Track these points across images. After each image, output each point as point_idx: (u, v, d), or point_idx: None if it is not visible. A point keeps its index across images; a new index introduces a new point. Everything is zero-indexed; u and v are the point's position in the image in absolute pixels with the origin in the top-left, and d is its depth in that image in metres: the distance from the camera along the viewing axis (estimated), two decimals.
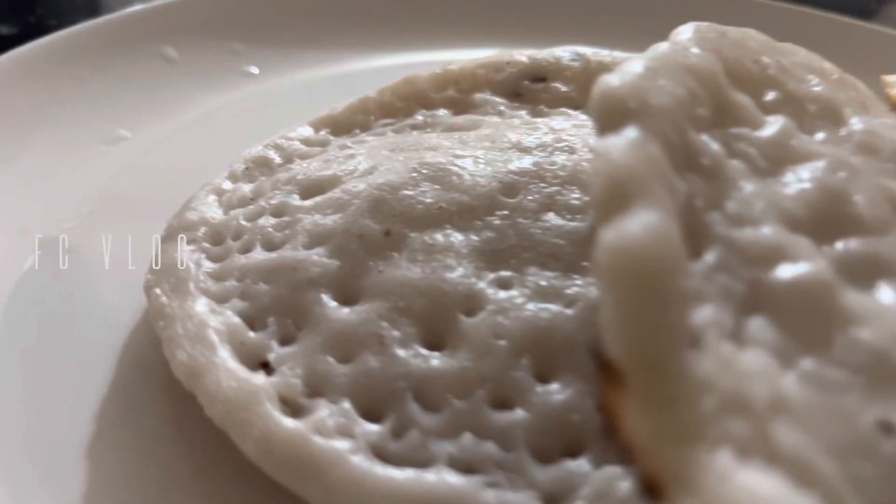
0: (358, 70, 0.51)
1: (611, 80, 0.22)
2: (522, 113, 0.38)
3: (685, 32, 0.27)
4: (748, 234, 0.21)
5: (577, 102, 0.38)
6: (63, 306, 0.31)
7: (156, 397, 0.28)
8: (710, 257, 0.20)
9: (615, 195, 0.19)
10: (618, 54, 0.40)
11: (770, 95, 0.27)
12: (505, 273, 0.27)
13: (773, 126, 0.25)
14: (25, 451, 0.26)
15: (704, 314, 0.18)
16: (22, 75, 0.41)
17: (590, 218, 0.29)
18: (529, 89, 0.39)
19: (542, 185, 0.30)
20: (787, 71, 0.28)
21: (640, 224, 0.18)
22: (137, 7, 0.47)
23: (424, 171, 0.31)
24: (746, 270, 0.20)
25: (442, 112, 0.38)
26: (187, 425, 0.27)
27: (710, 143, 0.23)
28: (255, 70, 0.49)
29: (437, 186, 0.30)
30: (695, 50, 0.25)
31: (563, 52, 0.40)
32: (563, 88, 0.38)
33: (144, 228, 0.35)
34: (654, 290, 0.17)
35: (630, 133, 0.21)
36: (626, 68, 0.23)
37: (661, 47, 0.25)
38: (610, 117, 0.21)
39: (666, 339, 0.17)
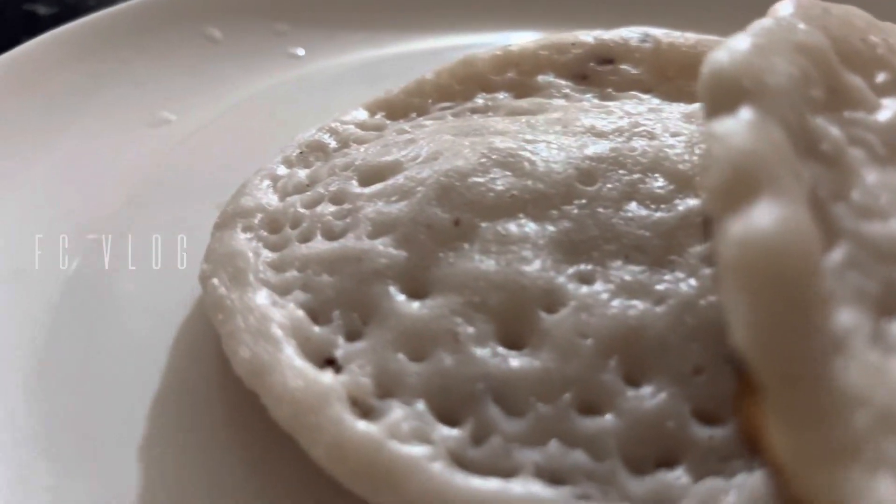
0: (407, 52, 0.49)
1: (720, 58, 0.20)
2: (589, 96, 0.36)
3: (786, 7, 0.24)
4: (878, 229, 0.19)
5: (647, 86, 0.36)
6: (110, 298, 0.30)
7: (211, 394, 0.27)
8: (839, 253, 0.18)
9: (740, 183, 0.17)
10: (690, 35, 0.37)
11: (881, 76, 0.24)
12: (586, 266, 0.26)
13: (889, 110, 0.23)
14: (78, 452, 0.24)
15: (846, 317, 0.16)
16: (64, 56, 0.39)
17: (675, 204, 0.27)
18: (596, 72, 0.37)
19: (622, 172, 0.28)
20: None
21: (771, 216, 0.16)
22: None
23: (494, 157, 0.29)
24: (880, 268, 0.18)
25: (502, 95, 0.36)
26: (244, 423, 0.26)
27: (829, 127, 0.21)
28: (300, 52, 0.47)
29: (507, 173, 0.28)
30: (801, 26, 0.23)
31: (632, 33, 0.38)
32: (633, 71, 0.36)
33: (194, 215, 0.34)
34: (792, 290, 0.16)
35: (747, 115, 0.19)
36: (734, 46, 0.21)
37: (766, 23, 0.23)
38: (723, 98, 0.19)
39: (809, 346, 0.15)
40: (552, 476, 0.21)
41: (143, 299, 0.30)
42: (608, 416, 0.22)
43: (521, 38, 0.48)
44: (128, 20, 0.43)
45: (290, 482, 0.24)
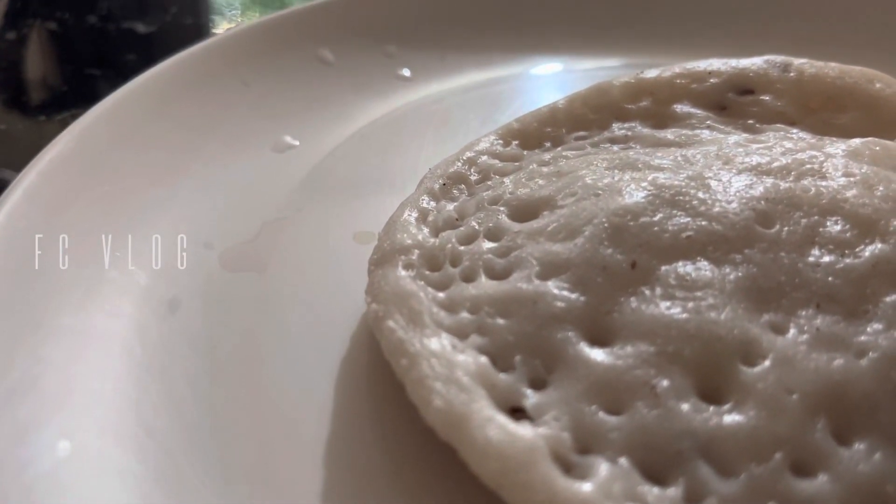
0: (507, 75, 0.48)
1: None
2: (731, 128, 0.35)
3: None
4: None
5: (791, 118, 0.35)
6: (264, 335, 0.29)
7: (385, 437, 0.26)
8: None
9: None
10: (833, 65, 0.36)
11: None
12: (776, 316, 0.25)
13: None
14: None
15: None
16: (188, 80, 0.39)
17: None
18: (736, 102, 0.36)
19: (799, 214, 0.27)
20: None
21: None
22: (294, 7, 0.45)
23: (663, 195, 0.28)
24: None
25: (639, 125, 0.36)
26: (428, 463, 0.25)
27: None
28: (407, 73, 0.46)
29: (679, 212, 0.27)
30: None
31: (771, 62, 0.37)
32: (775, 102, 0.35)
33: (335, 244, 0.33)
34: None
35: None
36: None
37: None
38: None
39: None
40: None
41: (300, 336, 0.29)
42: (823, 478, 0.21)
43: (618, 63, 0.48)
44: (247, 42, 0.42)
45: None
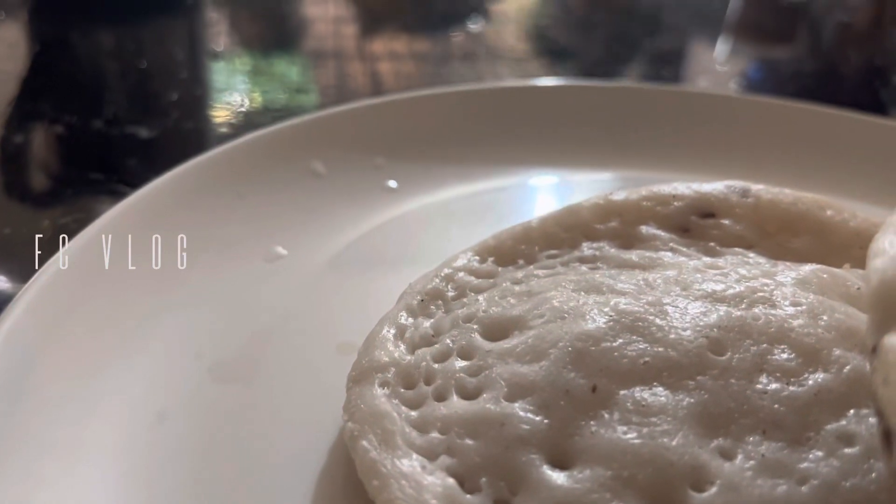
0: (490, 188, 0.51)
1: (887, 269, 0.22)
2: (693, 251, 0.37)
3: None
4: None
5: (749, 242, 0.38)
6: (244, 444, 0.31)
7: None
8: None
9: None
10: (788, 191, 0.39)
11: None
12: (724, 441, 0.26)
13: None
14: None
15: None
16: (187, 194, 0.41)
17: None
18: (698, 225, 0.38)
19: (749, 342, 0.29)
20: None
21: None
22: (289, 122, 0.48)
23: (623, 321, 0.30)
24: None
25: (607, 245, 0.38)
26: None
27: None
28: (393, 184, 0.49)
29: (637, 338, 0.29)
30: None
31: (731, 188, 0.39)
32: (735, 226, 0.38)
33: (317, 355, 0.35)
34: None
35: None
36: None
37: None
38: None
39: None
40: None
41: (282, 448, 0.31)
42: None
43: (603, 177, 0.51)
44: (244, 156, 0.45)
45: None
